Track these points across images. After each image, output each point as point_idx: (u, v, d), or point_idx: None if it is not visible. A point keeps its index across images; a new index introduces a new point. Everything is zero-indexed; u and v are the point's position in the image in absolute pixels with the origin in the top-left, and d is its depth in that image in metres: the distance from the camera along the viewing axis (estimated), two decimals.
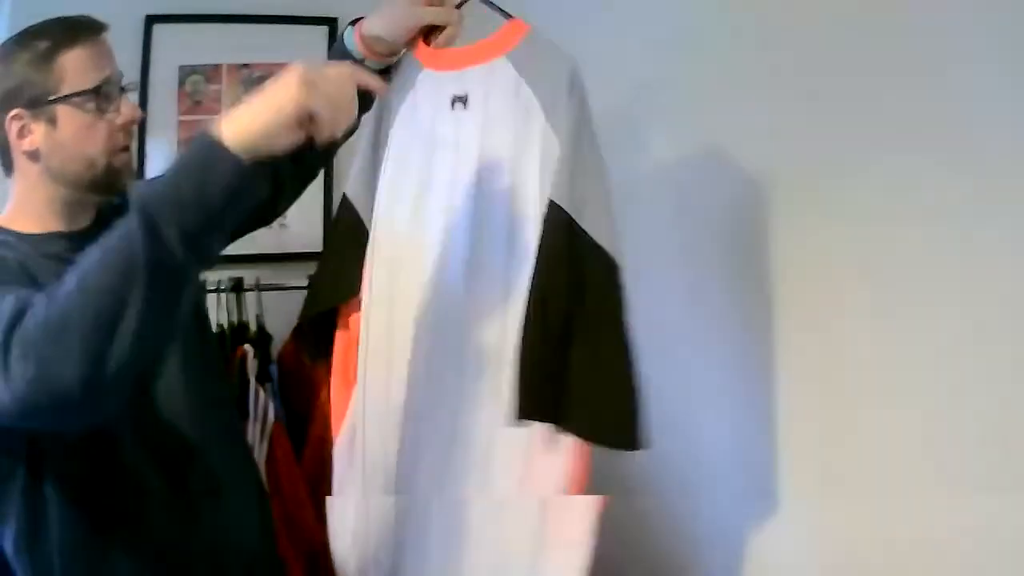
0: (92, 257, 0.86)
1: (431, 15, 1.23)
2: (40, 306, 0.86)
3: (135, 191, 0.86)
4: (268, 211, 1.38)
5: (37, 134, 1.08)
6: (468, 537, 1.14)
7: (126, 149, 1.15)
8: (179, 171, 0.87)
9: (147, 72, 2.25)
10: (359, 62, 1.24)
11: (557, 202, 1.05)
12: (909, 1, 1.05)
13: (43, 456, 1.03)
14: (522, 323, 1.05)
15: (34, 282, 1.02)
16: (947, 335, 1.01)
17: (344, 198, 1.28)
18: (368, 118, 1.27)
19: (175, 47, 2.26)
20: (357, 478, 1.26)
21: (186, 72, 2.29)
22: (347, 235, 1.27)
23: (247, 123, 0.87)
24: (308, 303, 1.30)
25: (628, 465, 1.54)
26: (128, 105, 1.14)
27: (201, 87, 2.30)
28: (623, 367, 1.05)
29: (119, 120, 1.13)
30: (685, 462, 1.48)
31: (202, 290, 1.31)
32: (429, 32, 1.25)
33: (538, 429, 1.07)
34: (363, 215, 1.25)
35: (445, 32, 1.23)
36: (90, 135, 1.10)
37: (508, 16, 1.18)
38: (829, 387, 1.19)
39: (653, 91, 1.54)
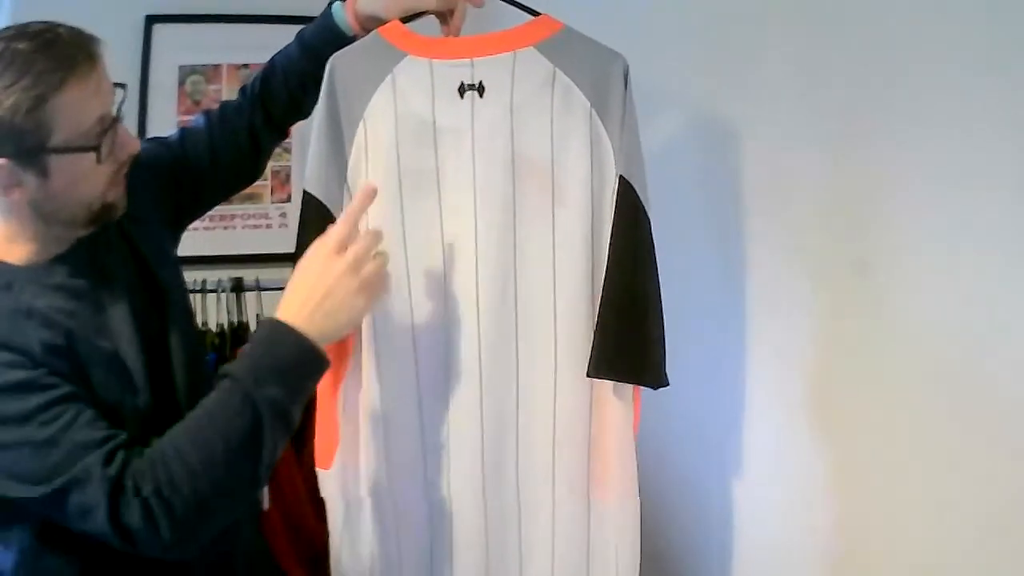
0: (215, 443, 0.97)
1: (433, 0, 1.21)
2: (174, 477, 0.95)
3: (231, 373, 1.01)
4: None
5: (27, 186, 0.98)
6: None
7: (120, 181, 1.07)
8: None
9: (147, 72, 2.26)
10: (349, 39, 1.22)
11: (626, 177, 1.17)
12: None
13: None
14: (604, 287, 1.17)
15: (49, 325, 0.99)
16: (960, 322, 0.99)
17: (309, 196, 1.20)
18: (318, 110, 1.19)
19: (175, 47, 2.27)
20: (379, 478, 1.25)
21: (186, 72, 2.29)
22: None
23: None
24: None
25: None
26: (126, 139, 1.05)
27: (201, 87, 2.30)
28: (659, 314, 1.19)
29: (118, 158, 1.05)
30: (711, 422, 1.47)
31: (185, 290, 1.27)
32: (441, 21, 1.24)
33: (596, 385, 1.21)
34: (334, 212, 1.20)
35: (454, 21, 1.22)
36: (87, 182, 1.02)
37: (534, 12, 1.20)
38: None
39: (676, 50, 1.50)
